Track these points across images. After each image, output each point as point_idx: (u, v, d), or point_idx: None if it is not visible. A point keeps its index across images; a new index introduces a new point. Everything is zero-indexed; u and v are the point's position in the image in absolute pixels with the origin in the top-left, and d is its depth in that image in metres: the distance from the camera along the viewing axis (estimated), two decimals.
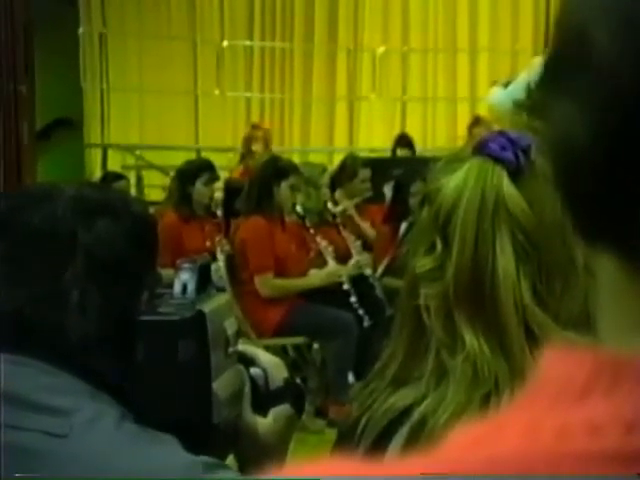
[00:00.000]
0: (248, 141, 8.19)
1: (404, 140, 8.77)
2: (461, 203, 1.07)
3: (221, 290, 1.62)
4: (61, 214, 1.28)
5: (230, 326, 1.40)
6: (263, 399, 1.45)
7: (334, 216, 6.43)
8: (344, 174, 6.88)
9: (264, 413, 1.44)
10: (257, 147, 8.03)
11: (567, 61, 0.43)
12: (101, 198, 1.33)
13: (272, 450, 1.42)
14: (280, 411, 1.45)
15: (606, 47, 0.40)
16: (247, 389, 1.43)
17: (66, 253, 1.27)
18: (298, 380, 1.72)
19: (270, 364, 1.48)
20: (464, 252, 1.07)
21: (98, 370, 1.26)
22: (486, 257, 1.06)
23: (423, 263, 1.10)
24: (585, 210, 0.43)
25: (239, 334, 1.45)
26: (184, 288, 1.37)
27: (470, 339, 1.06)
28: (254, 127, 8.72)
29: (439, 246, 1.09)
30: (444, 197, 1.08)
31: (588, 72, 0.41)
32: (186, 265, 1.39)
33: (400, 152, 8.54)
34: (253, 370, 1.46)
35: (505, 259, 1.05)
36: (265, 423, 1.43)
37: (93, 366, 1.26)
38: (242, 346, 1.47)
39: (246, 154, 8.02)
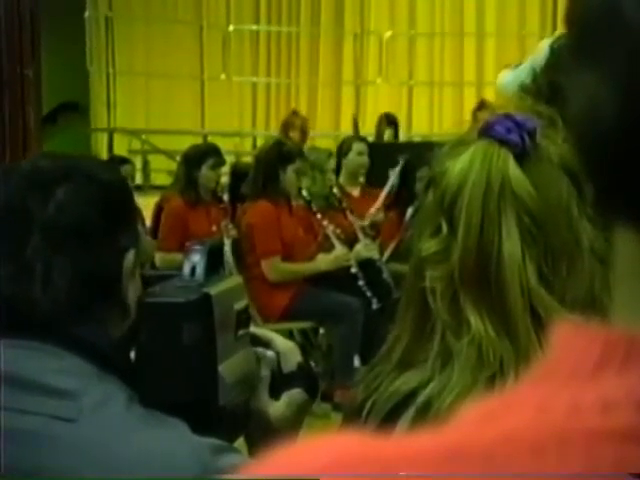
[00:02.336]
0: (286, 127, 8.14)
1: (388, 119, 8.77)
2: (466, 186, 1.07)
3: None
4: (14, 190, 1.29)
5: (241, 308, 1.40)
6: (276, 383, 1.45)
7: (340, 201, 6.42)
8: (341, 151, 6.87)
9: (277, 397, 1.44)
10: (294, 134, 8.01)
11: (593, 32, 0.42)
12: (57, 168, 1.32)
13: (283, 434, 1.41)
14: (293, 395, 1.45)
15: (634, 17, 0.39)
16: (266, 372, 1.42)
17: (23, 228, 1.27)
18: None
19: (284, 348, 1.48)
20: (470, 235, 1.06)
21: (85, 338, 1.25)
22: (492, 240, 1.05)
23: (429, 246, 1.09)
24: (608, 182, 0.42)
25: (251, 317, 1.45)
26: (193, 270, 1.37)
27: (475, 322, 1.06)
28: (294, 113, 8.67)
29: (445, 229, 1.09)
30: (449, 180, 1.08)
31: (616, 42, 0.40)
32: (196, 247, 1.39)
33: (387, 132, 8.55)
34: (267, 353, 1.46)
35: (511, 242, 1.05)
36: (277, 406, 1.43)
37: (80, 334, 1.25)
38: (256, 329, 1.46)
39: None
